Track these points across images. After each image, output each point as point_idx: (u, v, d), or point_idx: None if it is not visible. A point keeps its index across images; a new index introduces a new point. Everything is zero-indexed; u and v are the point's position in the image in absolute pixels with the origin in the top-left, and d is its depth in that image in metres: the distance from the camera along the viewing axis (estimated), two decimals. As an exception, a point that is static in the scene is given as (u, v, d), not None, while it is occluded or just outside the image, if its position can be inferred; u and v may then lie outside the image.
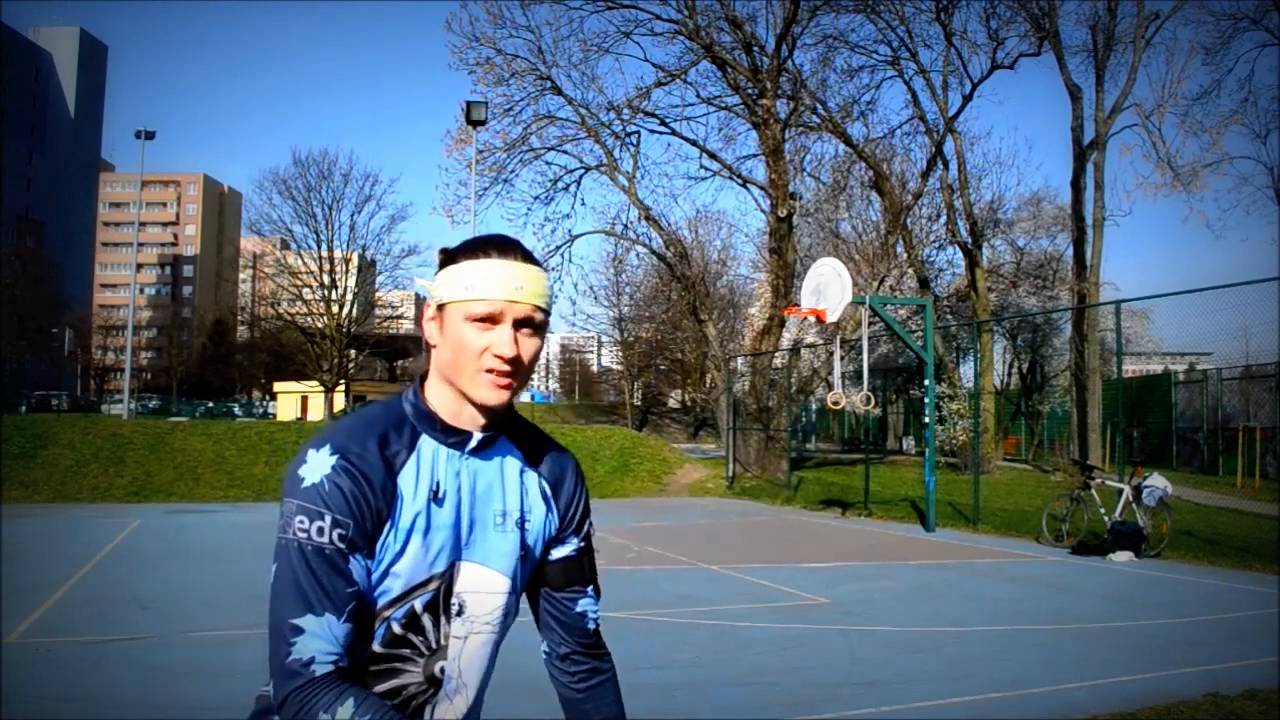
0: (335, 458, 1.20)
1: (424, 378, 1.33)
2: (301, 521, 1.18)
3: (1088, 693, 4.89)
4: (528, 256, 1.27)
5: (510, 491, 1.34)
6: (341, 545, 1.18)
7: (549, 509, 1.39)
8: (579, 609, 1.42)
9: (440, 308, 1.27)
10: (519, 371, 1.25)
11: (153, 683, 4.97)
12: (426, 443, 1.27)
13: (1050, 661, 5.65)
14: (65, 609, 6.89)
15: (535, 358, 1.28)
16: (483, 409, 1.27)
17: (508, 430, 1.36)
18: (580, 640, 1.43)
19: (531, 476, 1.37)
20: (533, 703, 3.85)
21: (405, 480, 1.24)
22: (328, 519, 1.18)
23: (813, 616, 7.05)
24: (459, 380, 1.26)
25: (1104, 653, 5.92)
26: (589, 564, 1.44)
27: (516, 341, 1.24)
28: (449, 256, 1.29)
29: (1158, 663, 5.60)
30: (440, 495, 1.26)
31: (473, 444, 1.29)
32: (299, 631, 1.15)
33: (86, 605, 7.05)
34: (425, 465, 1.26)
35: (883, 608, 7.49)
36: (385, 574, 1.23)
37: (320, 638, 1.15)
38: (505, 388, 1.25)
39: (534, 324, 1.26)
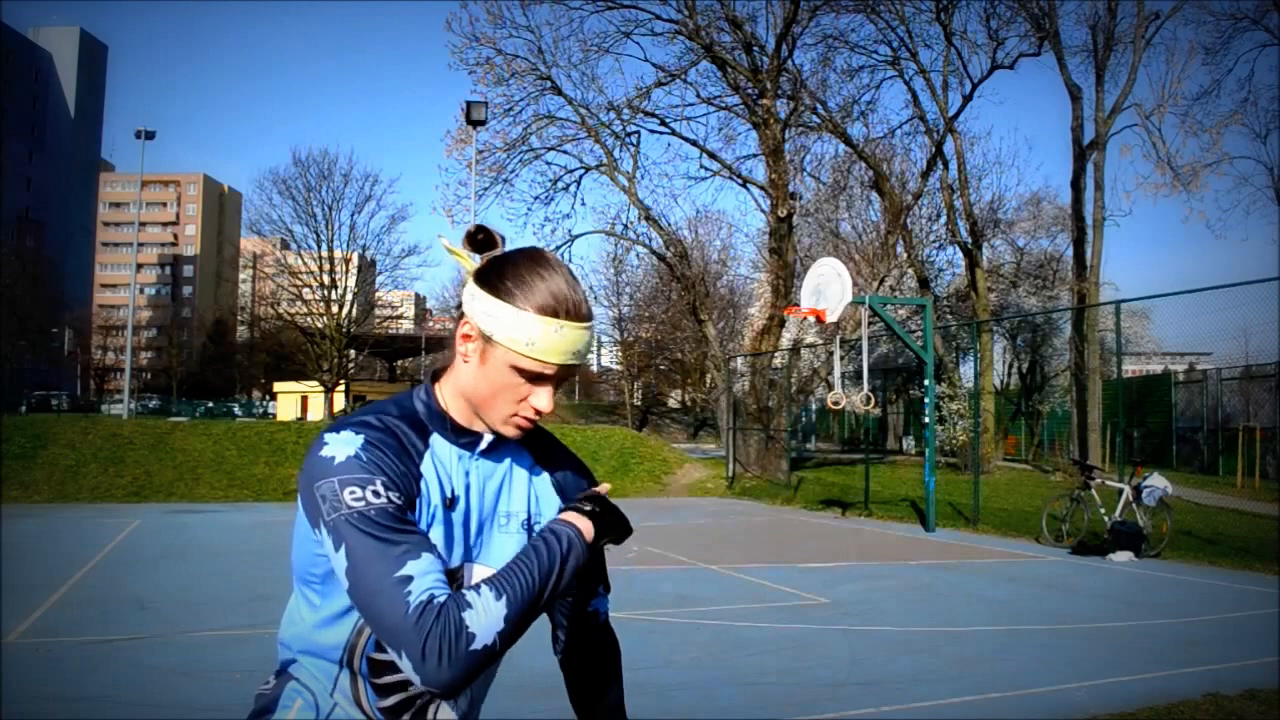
0: (361, 435, 1.19)
1: (435, 376, 1.32)
2: (353, 492, 1.14)
3: (1088, 693, 4.89)
4: (584, 308, 1.24)
5: (517, 493, 1.34)
6: (400, 502, 1.16)
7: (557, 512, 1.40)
8: (592, 608, 1.46)
9: (487, 338, 1.22)
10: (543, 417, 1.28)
11: (153, 683, 4.97)
12: (438, 441, 1.27)
13: (1050, 661, 5.65)
14: (65, 609, 6.89)
15: None
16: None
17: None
18: (592, 634, 1.47)
19: (542, 478, 1.38)
20: (533, 702, 3.86)
21: (426, 473, 1.24)
22: (379, 481, 1.15)
23: (813, 616, 7.05)
24: (485, 412, 1.26)
25: (1104, 653, 5.92)
26: (600, 564, 1.47)
27: (552, 395, 1.26)
28: (500, 280, 1.22)
29: (1158, 663, 5.60)
30: (454, 499, 1.26)
31: (483, 446, 1.30)
32: (408, 581, 1.10)
33: (86, 605, 7.05)
34: (440, 463, 1.26)
35: (883, 608, 7.49)
36: None
37: (429, 574, 1.11)
38: (527, 428, 1.28)
39: (572, 376, 1.27)
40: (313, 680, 1.26)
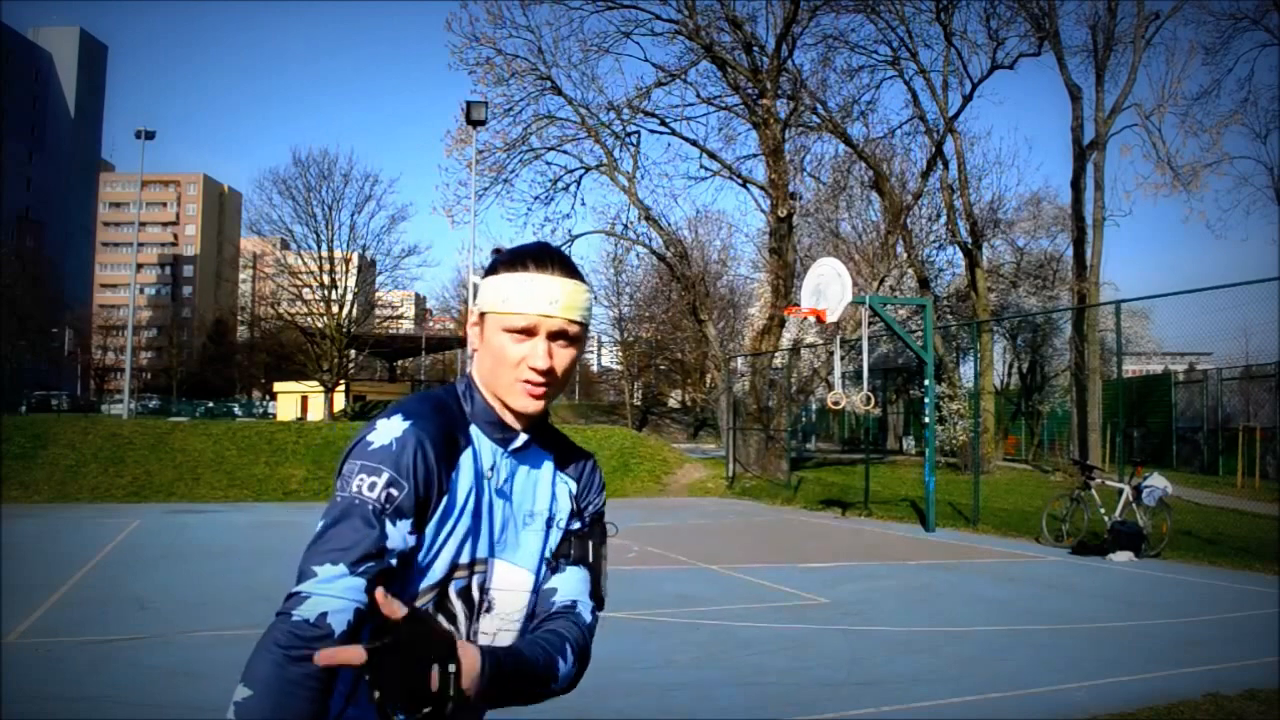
0: (408, 424, 1.23)
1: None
2: (360, 480, 1.19)
3: (1088, 693, 4.89)
4: (566, 269, 1.30)
5: (542, 493, 1.38)
6: (388, 505, 1.18)
7: (574, 512, 1.43)
8: (577, 609, 1.47)
9: (482, 315, 1.31)
10: (553, 382, 1.29)
11: (153, 683, 4.97)
12: (476, 434, 1.31)
13: (1050, 661, 5.65)
14: (65, 609, 6.89)
15: (571, 367, 1.32)
16: (519, 416, 1.32)
17: (541, 434, 1.40)
18: (573, 628, 1.43)
19: (563, 482, 1.42)
20: (533, 703, 3.86)
21: (464, 465, 1.28)
22: (384, 475, 1.18)
23: (813, 616, 7.05)
24: (497, 388, 1.31)
25: (1104, 653, 5.93)
26: (597, 576, 1.50)
27: (551, 354, 1.28)
28: (491, 266, 1.33)
29: (1158, 663, 5.60)
30: (496, 481, 1.31)
31: (517, 443, 1.34)
32: (312, 577, 1.14)
33: (86, 605, 7.05)
34: (479, 454, 1.30)
35: (883, 608, 7.49)
36: (435, 554, 1.25)
37: (331, 583, 1.13)
38: (539, 397, 1.29)
39: (568, 336, 1.30)
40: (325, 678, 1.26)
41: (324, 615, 1.11)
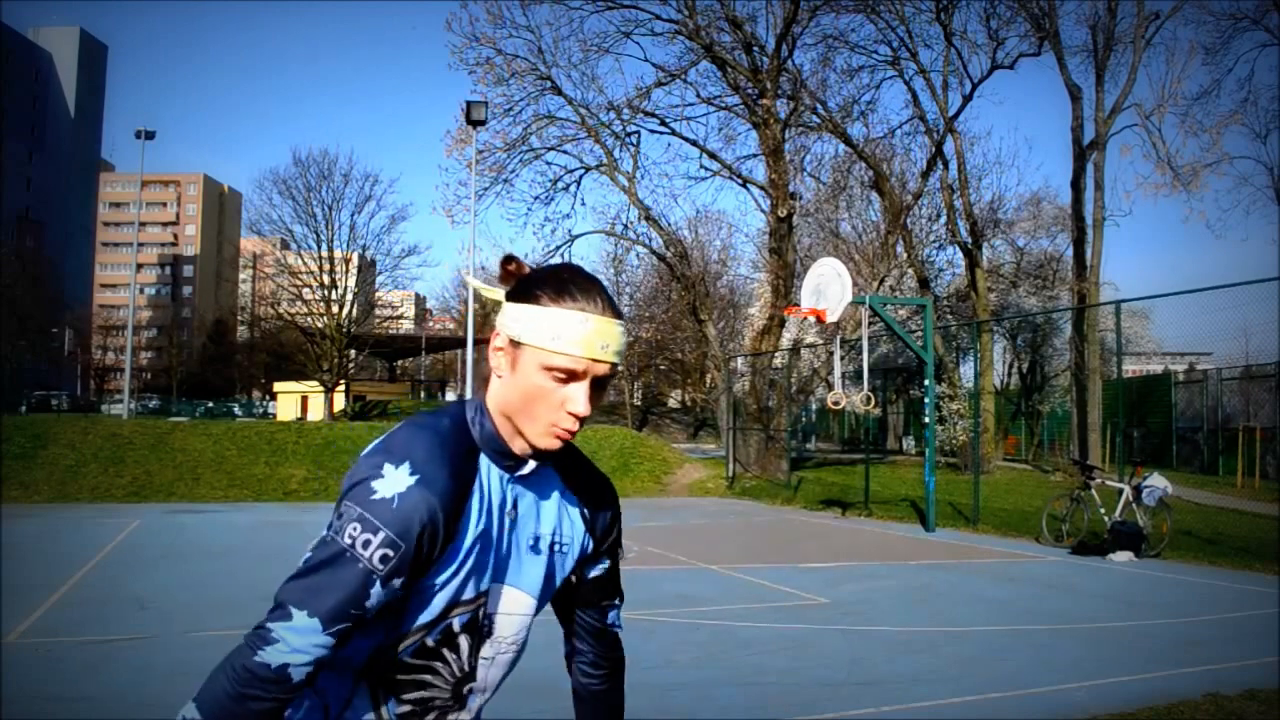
0: (415, 479, 1.15)
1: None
2: (354, 529, 1.13)
3: (1088, 693, 4.89)
4: (614, 307, 1.23)
5: (547, 515, 1.34)
6: (381, 568, 1.13)
7: (585, 533, 1.40)
8: (609, 620, 1.48)
9: (515, 344, 1.21)
10: (582, 423, 1.23)
11: (153, 683, 4.97)
12: (485, 465, 1.26)
13: (1050, 661, 5.65)
14: (65, 609, 6.89)
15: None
16: (536, 451, 1.26)
17: (551, 456, 1.35)
18: (608, 646, 1.49)
19: (571, 501, 1.38)
20: (532, 703, 3.85)
21: (474, 506, 1.22)
22: (380, 536, 1.12)
23: (813, 616, 7.05)
24: (523, 424, 1.23)
25: (1104, 653, 5.93)
26: (617, 576, 1.48)
27: (590, 398, 1.21)
28: (525, 288, 1.23)
29: (1158, 663, 5.60)
30: (514, 517, 1.27)
31: (525, 470, 1.28)
32: (286, 618, 1.11)
33: (86, 605, 7.05)
34: (487, 488, 1.25)
35: (883, 608, 7.49)
36: (435, 592, 1.21)
37: (296, 635, 1.11)
38: (566, 441, 1.24)
39: (608, 378, 1.23)
40: (322, 690, 1.26)
41: (285, 666, 1.10)
